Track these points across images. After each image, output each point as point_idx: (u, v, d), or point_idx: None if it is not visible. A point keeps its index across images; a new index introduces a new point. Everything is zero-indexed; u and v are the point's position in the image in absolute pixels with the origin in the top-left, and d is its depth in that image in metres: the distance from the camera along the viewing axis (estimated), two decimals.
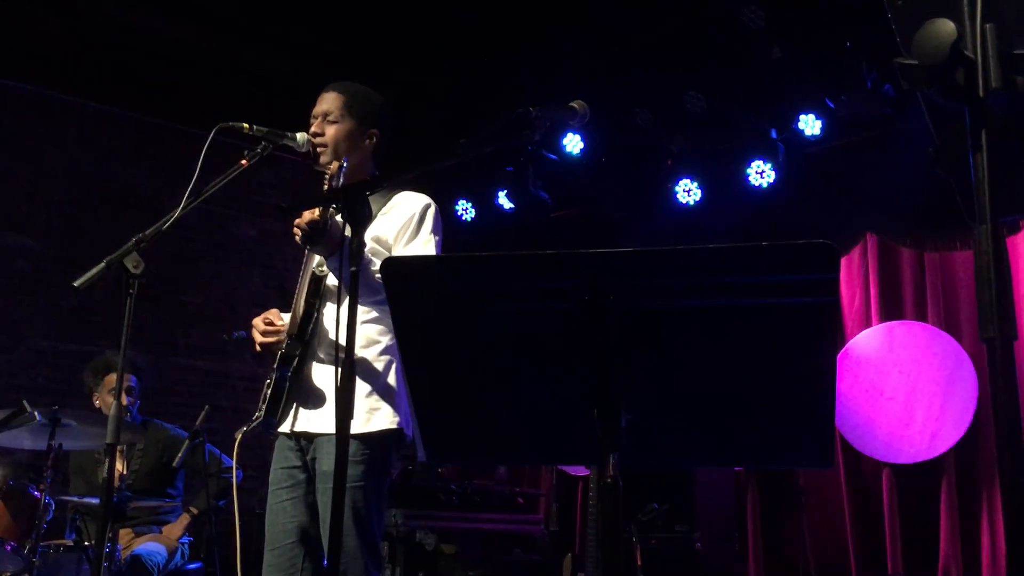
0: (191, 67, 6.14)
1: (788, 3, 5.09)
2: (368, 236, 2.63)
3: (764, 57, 5.27)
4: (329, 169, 2.61)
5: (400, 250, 2.66)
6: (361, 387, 2.55)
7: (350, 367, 1.91)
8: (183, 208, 2.44)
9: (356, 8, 5.71)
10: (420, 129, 5.63)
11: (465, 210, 6.95)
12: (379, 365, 2.64)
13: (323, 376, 2.63)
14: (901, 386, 5.27)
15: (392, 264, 1.58)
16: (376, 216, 2.70)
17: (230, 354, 6.63)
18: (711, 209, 5.95)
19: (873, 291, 5.51)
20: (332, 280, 2.65)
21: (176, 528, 4.61)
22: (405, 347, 1.63)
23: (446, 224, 2.92)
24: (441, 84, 6.48)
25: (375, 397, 2.60)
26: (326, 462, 2.55)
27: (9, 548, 3.88)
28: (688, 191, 6.00)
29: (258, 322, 2.67)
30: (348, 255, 2.00)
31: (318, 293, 2.65)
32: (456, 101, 6.45)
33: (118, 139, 6.56)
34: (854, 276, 5.62)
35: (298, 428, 2.63)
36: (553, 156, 6.26)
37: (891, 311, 5.45)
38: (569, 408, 1.59)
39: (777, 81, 5.40)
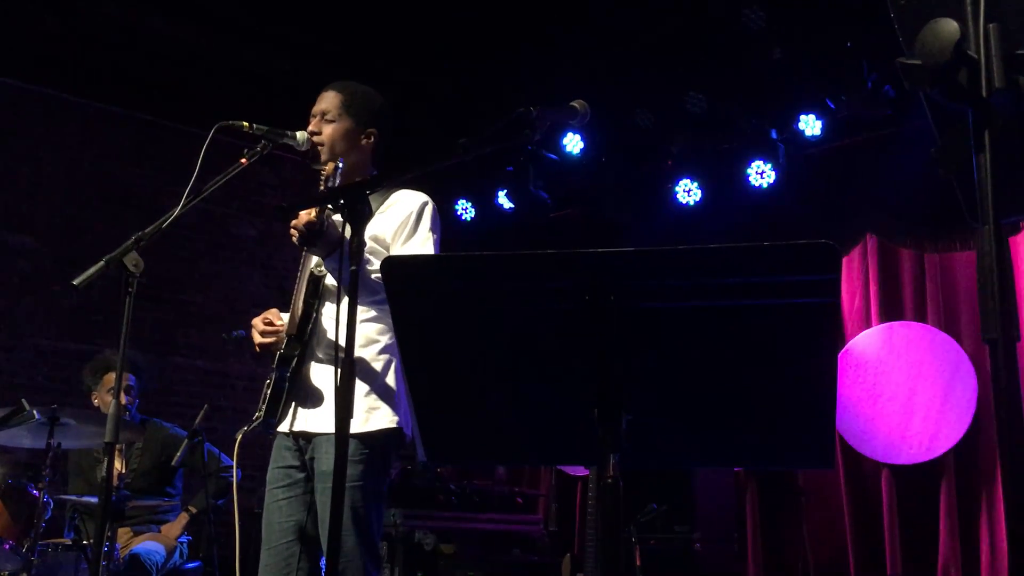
0: (192, 67, 6.13)
1: (789, 3, 5.09)
2: (366, 235, 2.62)
3: (764, 58, 5.27)
4: (325, 170, 2.60)
5: (398, 248, 2.66)
6: (360, 386, 2.55)
7: (350, 367, 1.91)
8: (182, 207, 2.43)
9: (356, 8, 5.71)
10: (420, 129, 5.62)
11: (465, 210, 6.94)
12: (378, 364, 2.64)
13: (322, 376, 2.63)
14: (901, 387, 5.27)
15: (392, 263, 1.58)
16: (374, 215, 2.70)
17: (230, 354, 6.62)
18: (711, 209, 5.95)
19: (873, 292, 5.51)
20: (331, 280, 2.65)
21: (175, 527, 4.60)
22: (405, 347, 1.62)
23: (446, 224, 2.92)
24: (441, 84, 6.48)
25: (374, 396, 2.60)
26: (324, 462, 2.54)
27: (8, 547, 3.88)
28: (688, 191, 5.99)
29: (257, 322, 2.67)
30: (348, 254, 2.00)
31: (317, 293, 2.64)
32: (456, 101, 6.45)
33: (118, 138, 6.56)
34: (854, 277, 5.62)
35: (297, 428, 2.62)
36: (553, 156, 6.26)
37: (891, 312, 5.45)
38: (569, 408, 1.59)
39: (777, 82, 5.40)
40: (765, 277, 1.39)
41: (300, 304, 2.64)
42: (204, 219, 6.65)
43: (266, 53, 6.16)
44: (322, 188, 2.58)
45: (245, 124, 2.54)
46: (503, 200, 6.64)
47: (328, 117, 2.73)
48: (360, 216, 2.02)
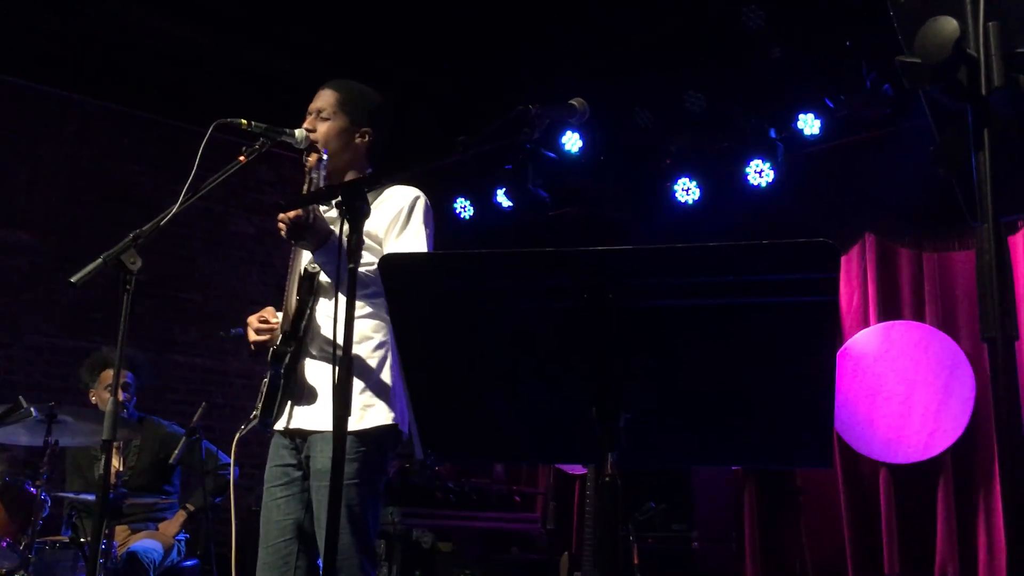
0: (191, 64, 6.13)
1: (788, 3, 5.09)
2: None
3: (763, 57, 5.27)
4: (308, 161, 2.60)
5: (391, 243, 2.66)
6: (355, 383, 2.54)
7: (348, 365, 1.90)
8: (181, 204, 2.43)
9: (356, 7, 5.70)
10: (420, 129, 5.63)
11: (464, 208, 6.94)
12: (373, 361, 2.63)
13: (316, 373, 2.63)
14: (898, 386, 5.27)
15: (390, 262, 1.57)
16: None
17: (228, 351, 6.62)
18: (710, 208, 5.95)
19: (871, 291, 5.52)
20: (325, 276, 2.65)
21: (172, 525, 4.60)
22: (403, 344, 1.62)
23: (445, 222, 2.92)
24: (441, 84, 6.48)
25: (369, 394, 2.59)
26: (320, 460, 2.54)
27: (5, 545, 3.87)
28: (687, 190, 5.99)
29: (253, 320, 2.67)
30: (346, 252, 2.00)
31: (311, 290, 2.64)
32: (456, 101, 6.44)
33: (117, 136, 6.55)
34: (852, 276, 5.62)
35: (292, 425, 2.62)
36: (552, 155, 6.26)
37: (889, 311, 5.45)
38: (567, 407, 1.59)
39: (776, 81, 5.40)
40: (764, 275, 1.39)
41: (293, 300, 2.63)
42: (203, 217, 6.65)
43: (266, 52, 6.16)
44: (306, 180, 2.58)
45: (244, 122, 2.53)
46: (502, 198, 6.64)
47: (323, 115, 2.73)
48: (359, 214, 2.01)
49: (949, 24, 1.11)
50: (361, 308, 2.61)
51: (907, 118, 4.99)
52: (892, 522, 5.14)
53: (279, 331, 2.63)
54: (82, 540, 4.06)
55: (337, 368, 1.91)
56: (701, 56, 5.57)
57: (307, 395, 2.61)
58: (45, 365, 6.07)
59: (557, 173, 6.40)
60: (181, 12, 5.79)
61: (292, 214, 2.40)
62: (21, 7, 5.58)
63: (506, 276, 1.52)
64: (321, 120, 2.73)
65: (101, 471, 2.32)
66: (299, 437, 2.64)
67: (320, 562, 2.60)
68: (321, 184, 2.57)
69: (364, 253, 2.55)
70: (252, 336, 2.65)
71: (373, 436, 2.56)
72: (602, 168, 6.30)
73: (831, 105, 5.23)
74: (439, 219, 2.90)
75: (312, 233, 2.44)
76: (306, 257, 2.67)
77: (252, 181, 6.90)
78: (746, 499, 5.74)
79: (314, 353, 2.64)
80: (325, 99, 2.77)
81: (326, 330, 2.62)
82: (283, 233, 2.44)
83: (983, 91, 1.11)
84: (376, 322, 2.65)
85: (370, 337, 2.64)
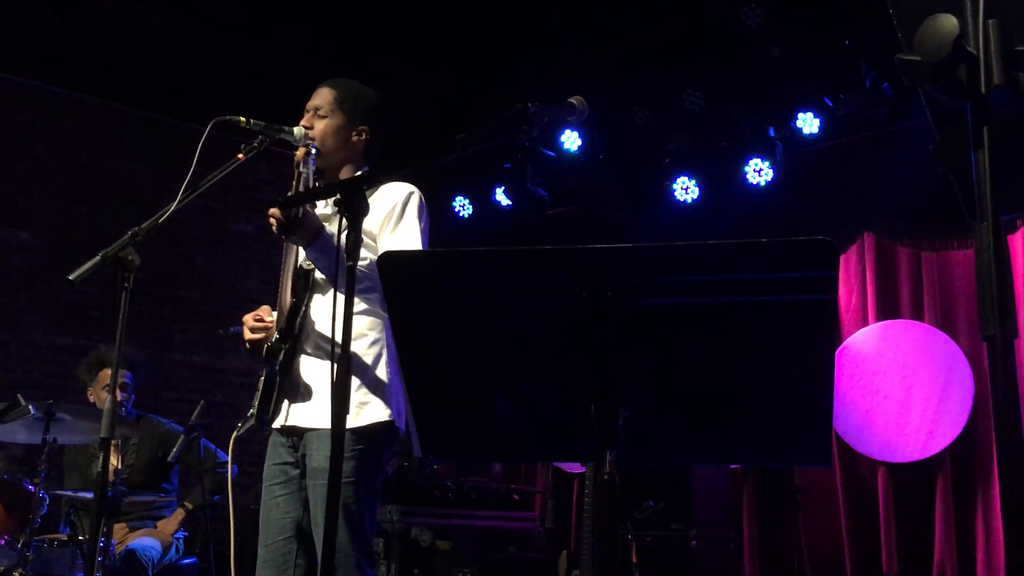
0: (189, 63, 6.12)
1: (787, 2, 5.09)
2: None
3: (763, 56, 5.27)
4: (296, 154, 2.60)
5: (385, 239, 2.66)
6: (351, 381, 2.54)
7: (346, 363, 1.90)
8: (179, 202, 2.43)
9: (356, 6, 5.70)
10: (420, 128, 5.62)
11: (463, 207, 6.94)
12: (368, 358, 2.63)
13: (312, 370, 2.63)
14: (897, 385, 5.28)
15: (389, 259, 1.57)
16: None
17: (226, 350, 6.61)
18: (709, 207, 5.95)
19: (870, 290, 5.52)
20: (320, 273, 2.65)
21: (171, 523, 4.60)
22: (402, 342, 1.62)
23: (444, 220, 2.92)
24: (441, 83, 6.47)
25: (365, 390, 2.59)
26: (316, 458, 2.54)
27: (3, 542, 3.87)
28: (686, 189, 5.99)
29: (248, 318, 2.67)
30: (342, 251, 2.00)
31: (306, 287, 2.64)
32: (456, 100, 6.44)
33: (115, 134, 6.55)
34: (851, 275, 5.62)
35: (288, 423, 2.62)
36: (551, 153, 6.25)
37: (888, 310, 5.45)
38: (566, 405, 1.59)
39: (776, 80, 5.40)
40: (763, 273, 1.39)
41: (287, 297, 2.63)
42: (201, 215, 6.64)
43: (266, 51, 6.15)
44: (295, 174, 2.58)
45: (242, 119, 2.53)
46: (501, 197, 6.64)
47: (320, 113, 2.74)
48: (357, 212, 2.01)
49: (949, 22, 1.11)
50: (356, 304, 2.61)
51: (906, 117, 4.99)
52: (890, 521, 5.14)
53: (274, 329, 2.63)
54: (80, 538, 4.06)
55: (336, 366, 1.91)
56: (700, 55, 5.57)
57: (303, 392, 2.61)
58: (43, 363, 6.06)
59: (556, 172, 6.40)
60: (180, 10, 5.79)
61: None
62: (20, 5, 5.57)
63: (505, 274, 1.52)
64: (318, 118, 2.73)
65: (99, 469, 2.32)
66: (296, 435, 2.63)
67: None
68: (310, 178, 2.57)
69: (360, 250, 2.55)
70: (247, 334, 2.65)
71: (369, 433, 2.56)
72: (601, 167, 6.30)
73: (830, 104, 5.23)
74: (438, 218, 2.90)
75: (303, 228, 2.44)
76: (299, 254, 2.67)
77: (251, 179, 6.89)
78: (745, 498, 5.74)
79: (309, 350, 2.64)
80: (323, 97, 2.77)
81: (321, 327, 2.62)
82: (274, 228, 2.45)
83: (983, 89, 1.11)
84: (371, 319, 2.65)
85: (365, 334, 2.64)
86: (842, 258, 5.58)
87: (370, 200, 2.70)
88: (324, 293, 2.65)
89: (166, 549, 4.46)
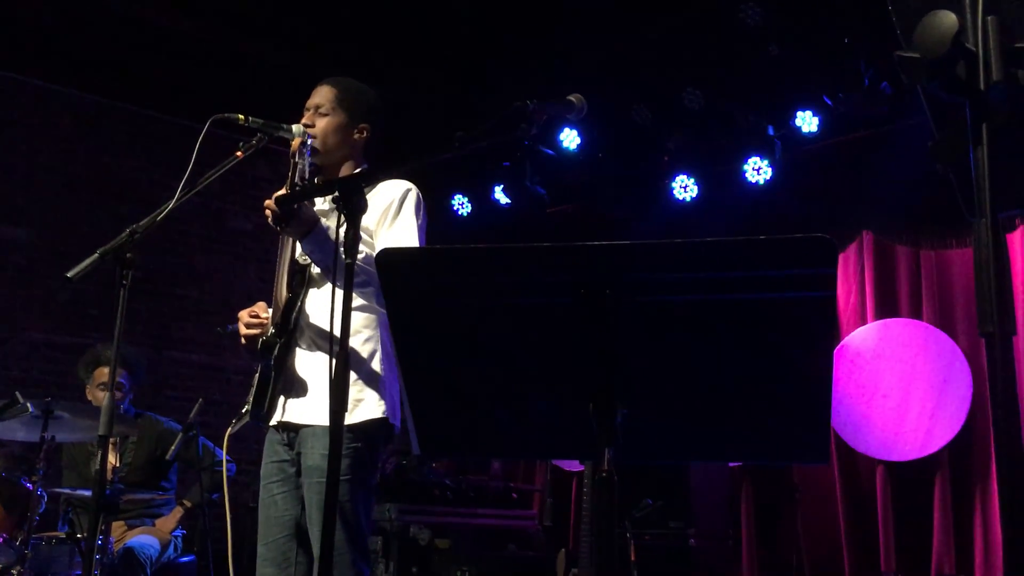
0: (188, 59, 6.11)
1: (786, 0, 5.09)
2: None
3: (762, 54, 5.26)
4: (292, 145, 2.60)
5: (382, 235, 2.66)
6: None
7: (344, 360, 1.90)
8: (177, 200, 2.43)
9: (356, 3, 5.69)
10: (419, 126, 5.62)
11: (462, 205, 6.93)
12: (363, 354, 2.63)
13: (307, 365, 2.62)
14: (896, 384, 5.28)
15: (387, 256, 1.57)
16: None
17: (225, 347, 6.61)
18: (707, 205, 5.96)
19: (869, 288, 5.52)
20: (316, 268, 2.65)
21: (169, 521, 4.60)
22: (400, 339, 1.62)
23: (442, 219, 2.92)
24: (439, 81, 6.47)
25: (359, 387, 2.58)
26: (311, 456, 2.54)
27: (1, 540, 3.87)
28: (685, 187, 5.99)
29: (244, 315, 2.67)
30: (339, 247, 2.00)
31: (303, 282, 2.65)
32: (454, 98, 6.43)
33: (113, 131, 6.54)
34: (850, 273, 5.62)
35: (284, 419, 2.62)
36: (550, 151, 6.25)
37: (886, 308, 5.46)
38: (564, 402, 1.58)
39: (774, 78, 5.40)
40: (761, 271, 1.38)
41: (283, 292, 2.64)
42: (199, 213, 6.64)
43: (264, 47, 6.15)
44: (292, 165, 2.58)
45: (240, 117, 2.53)
46: (499, 195, 6.63)
47: (322, 111, 2.74)
48: (356, 209, 2.02)
49: (948, 18, 1.11)
50: (354, 300, 2.61)
51: (905, 116, 4.99)
52: (889, 519, 5.14)
53: (269, 324, 2.63)
54: (78, 536, 4.05)
55: (333, 364, 1.91)
56: (700, 54, 5.56)
57: (298, 388, 2.61)
58: (41, 361, 6.06)
59: (555, 170, 6.39)
60: (177, 6, 5.78)
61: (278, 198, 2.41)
62: (17, 2, 5.56)
63: (503, 271, 1.52)
64: (320, 116, 2.73)
65: (98, 467, 2.32)
66: (291, 431, 2.63)
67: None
68: (306, 169, 2.58)
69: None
70: (243, 330, 2.65)
71: (364, 430, 2.56)
72: (600, 165, 6.30)
73: (829, 103, 5.23)
74: (437, 216, 2.90)
75: (298, 221, 2.44)
76: (295, 248, 2.67)
77: (249, 177, 6.88)
78: (743, 496, 5.74)
79: (304, 345, 2.64)
80: (323, 95, 2.77)
81: (316, 321, 2.62)
82: (269, 220, 2.45)
83: (981, 86, 1.11)
84: (366, 315, 2.65)
85: (359, 330, 2.63)
86: (841, 256, 5.59)
87: (368, 197, 2.71)
88: (319, 288, 2.65)
89: (164, 547, 4.45)
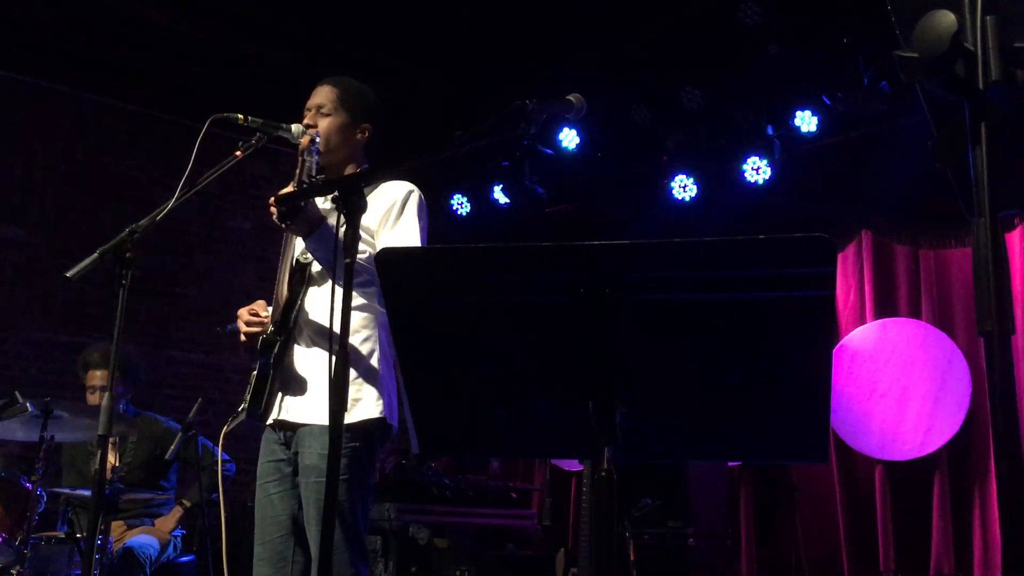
0: (187, 58, 6.11)
1: (785, 0, 5.09)
2: None
3: (761, 54, 5.27)
4: (301, 143, 2.60)
5: (384, 236, 2.66)
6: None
7: (344, 359, 1.90)
8: (177, 199, 2.43)
9: (356, 3, 5.69)
10: (419, 126, 5.62)
11: (461, 205, 6.93)
12: (362, 353, 2.63)
13: (306, 363, 2.62)
14: (895, 383, 5.28)
15: (387, 256, 1.57)
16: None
17: (224, 347, 6.61)
18: (706, 205, 5.95)
19: (868, 288, 5.52)
20: (317, 266, 2.65)
21: (168, 521, 4.59)
22: (399, 339, 1.62)
23: (441, 218, 2.92)
24: (437, 78, 6.47)
25: (357, 387, 2.59)
26: (308, 455, 2.54)
27: (0, 540, 3.87)
28: (684, 187, 5.99)
29: (243, 312, 2.66)
30: (338, 246, 2.00)
31: (302, 280, 2.65)
32: (455, 97, 6.44)
33: (112, 130, 6.53)
34: (849, 273, 5.63)
35: (281, 417, 2.62)
36: (549, 151, 6.25)
37: (885, 308, 5.46)
38: (564, 401, 1.59)
39: (774, 78, 5.40)
40: (760, 270, 1.39)
41: (284, 291, 2.64)
42: (198, 212, 6.63)
43: (263, 46, 6.14)
44: (299, 162, 2.58)
45: (240, 117, 2.53)
46: (499, 195, 6.63)
47: (324, 111, 2.74)
48: (355, 209, 2.01)
49: (946, 18, 1.11)
50: (354, 299, 2.61)
51: (904, 115, 4.99)
52: (888, 518, 5.15)
53: (269, 323, 2.63)
54: (78, 535, 4.05)
55: (332, 365, 1.91)
56: (699, 53, 5.57)
57: (296, 386, 2.61)
58: (41, 360, 6.05)
59: (554, 169, 6.39)
60: (176, 5, 5.78)
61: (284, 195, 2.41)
62: (16, 1, 5.56)
63: (502, 271, 1.52)
64: (322, 116, 2.74)
65: (97, 466, 2.32)
66: (288, 430, 2.63)
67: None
68: (313, 166, 2.58)
69: (360, 245, 2.56)
70: (243, 327, 2.65)
71: (362, 430, 2.56)
72: (599, 164, 6.30)
73: (828, 102, 5.23)
74: (436, 216, 2.90)
75: (303, 218, 2.44)
76: (297, 248, 2.67)
77: (248, 176, 6.88)
78: (742, 495, 5.74)
79: (303, 344, 2.64)
80: (324, 95, 2.77)
81: (316, 320, 2.62)
82: (274, 217, 2.45)
83: (980, 85, 1.11)
84: (365, 314, 2.65)
85: (358, 330, 2.64)
86: (840, 256, 5.59)
87: (370, 197, 2.71)
88: (320, 286, 2.65)
89: (164, 547, 4.45)
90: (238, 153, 2.53)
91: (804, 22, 5.11)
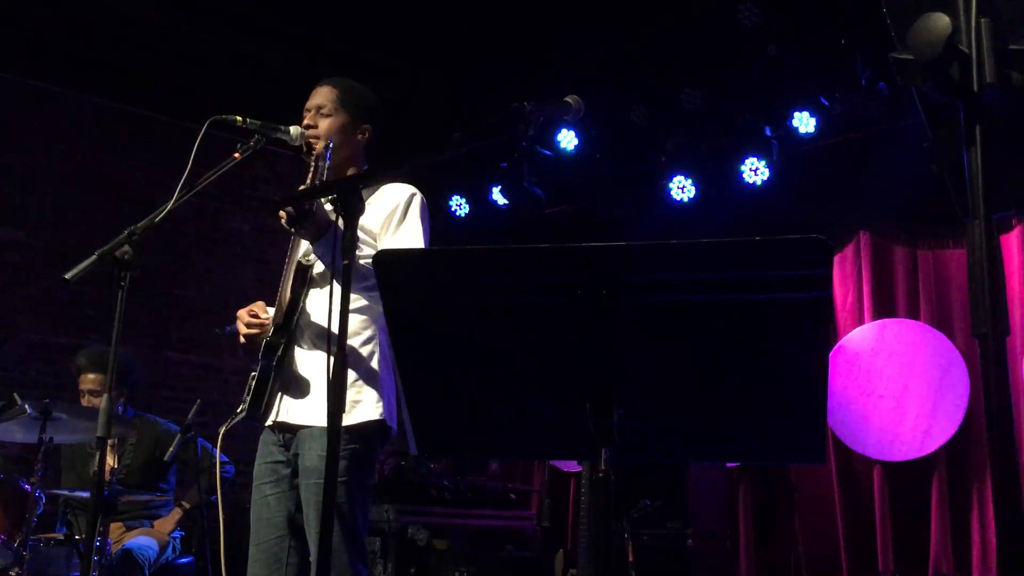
0: (185, 60, 6.11)
1: (784, 1, 5.10)
2: None
3: (759, 55, 5.28)
4: (316, 148, 2.60)
5: (387, 239, 2.66)
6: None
7: (342, 362, 1.90)
8: (175, 201, 2.43)
9: (356, 3, 5.70)
10: (419, 126, 5.62)
11: (459, 206, 6.93)
12: (362, 355, 2.63)
13: (307, 365, 2.62)
14: (893, 384, 5.29)
15: (384, 257, 1.57)
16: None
17: (223, 348, 6.61)
18: (705, 206, 5.96)
19: (866, 289, 5.53)
20: (318, 269, 2.65)
21: (167, 522, 4.59)
22: (398, 340, 1.62)
23: (440, 220, 2.93)
24: (440, 81, 6.47)
25: (357, 388, 2.59)
26: (309, 457, 2.54)
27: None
28: (682, 188, 6.00)
29: (243, 314, 2.66)
30: (340, 249, 2.00)
31: (304, 282, 2.64)
32: (455, 97, 6.44)
33: (111, 132, 6.54)
34: (847, 273, 5.63)
35: (281, 419, 2.62)
36: (548, 152, 6.26)
37: (884, 309, 5.46)
38: (562, 402, 1.59)
39: (772, 79, 5.41)
40: (756, 271, 1.39)
41: (287, 293, 2.64)
42: (197, 213, 6.64)
43: (262, 47, 6.14)
44: (312, 168, 2.58)
45: (238, 119, 2.54)
46: (497, 196, 6.64)
47: (324, 111, 2.74)
48: (353, 211, 2.02)
49: (941, 20, 1.11)
50: (355, 301, 2.62)
51: (902, 116, 5.00)
52: (886, 519, 5.15)
53: (271, 324, 2.63)
54: (77, 537, 4.05)
55: (331, 365, 1.91)
56: (697, 54, 5.57)
57: (297, 388, 2.61)
58: (39, 362, 6.05)
59: (553, 171, 6.40)
60: (175, 6, 5.78)
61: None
62: (14, 2, 5.56)
63: (500, 272, 1.52)
64: (322, 116, 2.73)
65: (96, 468, 2.32)
66: (288, 431, 2.63)
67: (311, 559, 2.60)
68: (325, 172, 2.58)
69: (363, 247, 2.56)
70: (243, 329, 2.65)
71: (362, 432, 2.56)
72: (598, 166, 6.31)
73: (826, 103, 5.24)
74: (435, 217, 2.91)
75: (312, 222, 2.44)
76: (302, 250, 2.67)
77: (247, 178, 6.89)
78: (741, 496, 5.75)
79: (305, 345, 2.64)
80: (324, 96, 2.77)
81: (317, 322, 2.63)
82: (283, 221, 2.44)
83: (975, 87, 1.11)
84: (366, 316, 2.66)
85: (359, 332, 2.64)
86: (838, 257, 5.59)
87: (371, 200, 2.71)
88: (321, 288, 2.65)
89: (163, 548, 4.45)
90: (236, 155, 2.53)
91: (803, 23, 5.12)
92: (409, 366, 1.63)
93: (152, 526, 4.58)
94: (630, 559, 4.66)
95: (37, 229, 6.17)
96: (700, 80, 5.65)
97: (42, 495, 4.05)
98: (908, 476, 5.17)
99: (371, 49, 6.00)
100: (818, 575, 5.42)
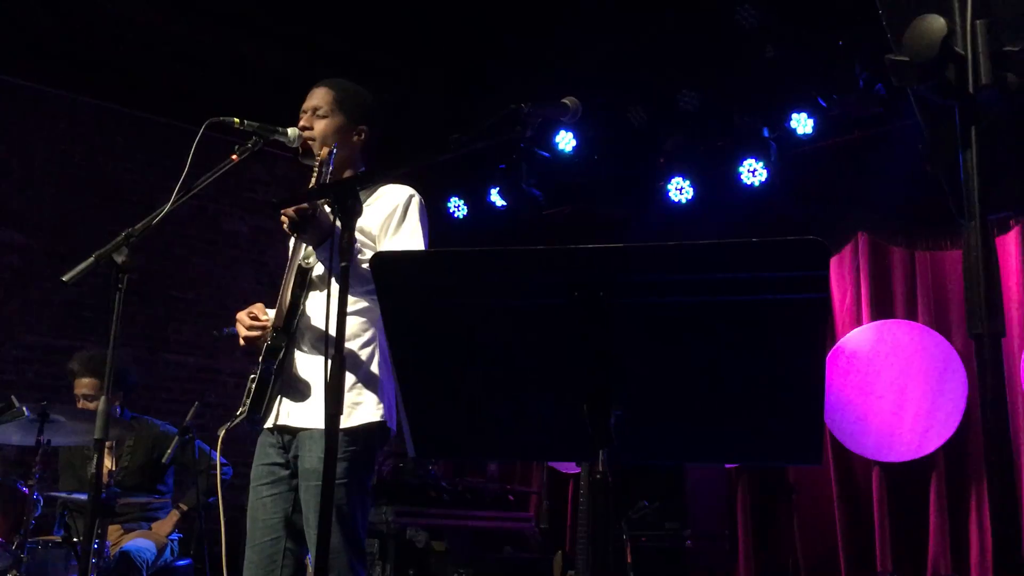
0: (184, 61, 6.11)
1: (781, 2, 5.10)
2: None
3: (757, 56, 5.28)
4: (320, 154, 2.60)
5: (386, 241, 2.66)
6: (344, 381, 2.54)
7: (340, 363, 1.90)
8: (173, 203, 2.43)
9: (352, 3, 5.70)
10: (419, 126, 5.63)
11: (457, 207, 6.94)
12: (362, 358, 2.63)
13: (308, 368, 2.62)
14: (891, 385, 5.29)
15: (382, 260, 1.57)
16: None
17: (221, 350, 6.60)
18: (703, 207, 5.97)
19: (864, 290, 5.53)
20: (318, 271, 2.64)
21: (166, 525, 4.59)
22: (395, 342, 1.62)
23: (438, 221, 2.93)
24: (440, 81, 6.47)
25: (357, 391, 2.59)
26: (308, 459, 2.54)
27: None
28: (680, 189, 6.00)
29: (242, 316, 2.65)
30: (338, 250, 2.00)
31: (304, 284, 2.64)
32: (455, 97, 6.44)
33: (110, 134, 6.54)
34: (845, 275, 5.64)
35: (281, 422, 2.61)
36: (546, 154, 6.26)
37: (882, 310, 5.47)
38: (559, 404, 1.59)
39: (770, 80, 5.41)
40: (754, 273, 1.39)
41: (287, 296, 2.63)
42: (195, 215, 6.64)
43: (260, 48, 6.15)
44: (315, 173, 2.57)
45: (236, 120, 2.53)
46: (495, 198, 6.64)
47: (320, 113, 2.73)
48: (350, 212, 2.01)
49: (937, 22, 1.12)
50: (355, 304, 2.61)
51: (900, 117, 5.01)
52: (885, 520, 5.15)
53: (271, 327, 2.62)
54: (75, 539, 4.05)
55: (329, 366, 1.91)
56: (695, 55, 5.58)
57: (297, 389, 2.61)
58: (37, 364, 6.05)
59: (551, 172, 6.40)
60: (173, 8, 5.78)
61: (296, 207, 2.39)
62: (12, 4, 5.56)
63: (497, 274, 1.52)
64: (318, 118, 2.72)
65: (93, 470, 2.31)
66: (288, 434, 2.63)
67: (309, 560, 2.60)
68: (327, 176, 2.57)
69: (364, 250, 2.56)
70: (243, 332, 2.64)
71: (362, 434, 2.56)
72: (596, 167, 6.31)
73: (824, 104, 5.25)
74: (433, 219, 2.90)
75: (315, 226, 2.43)
76: (302, 253, 2.67)
77: (245, 179, 6.89)
78: (739, 497, 5.75)
79: (305, 348, 2.64)
80: (321, 97, 2.76)
81: (317, 325, 2.62)
82: (285, 226, 2.44)
83: (971, 89, 1.11)
84: (365, 319, 2.65)
85: (358, 334, 2.64)
86: (836, 258, 5.60)
87: (370, 201, 2.71)
88: (321, 291, 2.65)
89: (161, 551, 4.45)
90: (234, 157, 2.53)
91: (800, 25, 5.13)
92: (407, 368, 1.63)
93: (150, 528, 4.58)
94: (629, 560, 4.66)
95: (35, 231, 6.17)
96: (698, 81, 5.65)
97: (40, 497, 4.04)
98: (906, 477, 5.17)
99: (370, 49, 6.01)
100: (816, 575, 5.43)
